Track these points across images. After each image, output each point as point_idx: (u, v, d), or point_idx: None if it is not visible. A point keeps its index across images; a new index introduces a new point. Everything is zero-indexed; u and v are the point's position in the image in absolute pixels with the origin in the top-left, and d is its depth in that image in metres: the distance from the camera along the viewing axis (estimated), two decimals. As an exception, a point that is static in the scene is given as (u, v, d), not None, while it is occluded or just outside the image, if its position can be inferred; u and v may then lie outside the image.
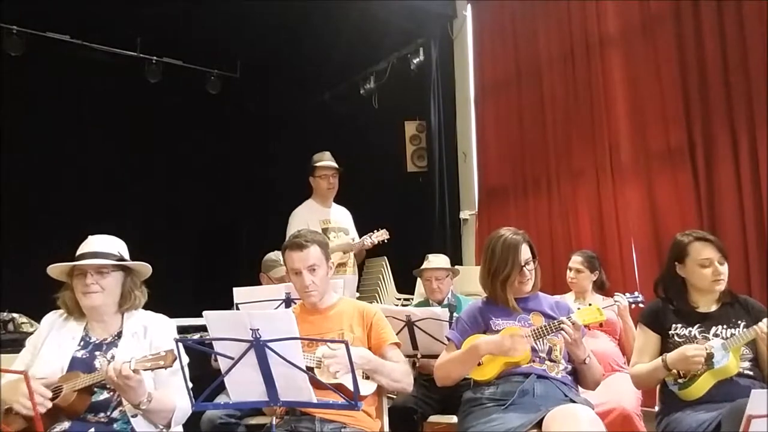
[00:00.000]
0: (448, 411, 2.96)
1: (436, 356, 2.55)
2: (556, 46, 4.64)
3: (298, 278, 2.41)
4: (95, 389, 2.12)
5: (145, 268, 2.32)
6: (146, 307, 2.36)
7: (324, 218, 4.27)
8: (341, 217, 4.38)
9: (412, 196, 5.66)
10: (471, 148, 5.42)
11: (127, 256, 2.32)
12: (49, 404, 1.99)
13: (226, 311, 2.18)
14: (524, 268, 2.40)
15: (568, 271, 3.63)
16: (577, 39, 4.47)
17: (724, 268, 2.39)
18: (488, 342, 2.28)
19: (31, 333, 2.48)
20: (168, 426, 2.17)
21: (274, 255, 3.59)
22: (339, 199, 4.42)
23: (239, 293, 3.03)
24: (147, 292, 2.35)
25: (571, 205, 4.45)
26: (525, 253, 2.42)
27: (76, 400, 2.06)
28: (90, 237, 2.31)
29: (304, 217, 4.19)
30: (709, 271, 2.38)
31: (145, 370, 2.03)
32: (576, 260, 3.62)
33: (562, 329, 2.23)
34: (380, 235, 4.16)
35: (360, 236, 4.26)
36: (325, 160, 4.31)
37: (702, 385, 2.24)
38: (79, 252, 2.25)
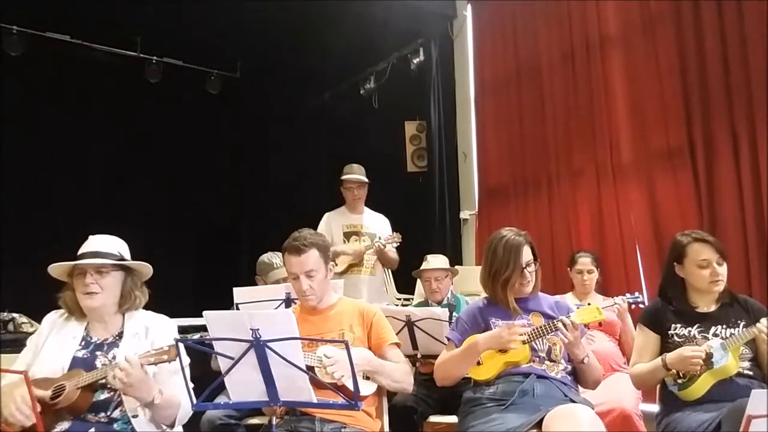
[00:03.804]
0: (448, 411, 2.96)
1: (436, 356, 2.55)
2: (556, 46, 4.64)
3: (296, 282, 2.41)
4: (97, 388, 2.12)
5: (145, 268, 2.32)
6: (146, 307, 2.36)
7: (348, 222, 4.39)
8: (372, 222, 4.42)
9: (412, 196, 5.66)
10: (471, 148, 5.42)
11: (128, 256, 2.32)
12: (28, 423, 1.92)
13: (226, 311, 2.18)
14: (525, 270, 2.38)
15: (577, 274, 3.59)
16: (577, 39, 4.47)
17: (723, 269, 2.38)
18: (486, 337, 2.27)
19: (32, 333, 2.48)
20: (171, 425, 2.17)
21: (267, 258, 3.55)
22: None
23: (239, 293, 3.03)
24: (148, 292, 2.35)
25: (571, 205, 4.44)
26: (526, 254, 2.40)
27: (79, 397, 2.06)
28: (91, 237, 2.31)
29: (329, 221, 4.39)
30: (707, 272, 2.38)
31: (149, 364, 2.03)
32: (586, 261, 3.60)
33: (558, 329, 2.23)
34: (391, 239, 4.20)
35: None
36: (352, 173, 4.41)
37: (701, 385, 2.24)
38: (79, 252, 2.25)
